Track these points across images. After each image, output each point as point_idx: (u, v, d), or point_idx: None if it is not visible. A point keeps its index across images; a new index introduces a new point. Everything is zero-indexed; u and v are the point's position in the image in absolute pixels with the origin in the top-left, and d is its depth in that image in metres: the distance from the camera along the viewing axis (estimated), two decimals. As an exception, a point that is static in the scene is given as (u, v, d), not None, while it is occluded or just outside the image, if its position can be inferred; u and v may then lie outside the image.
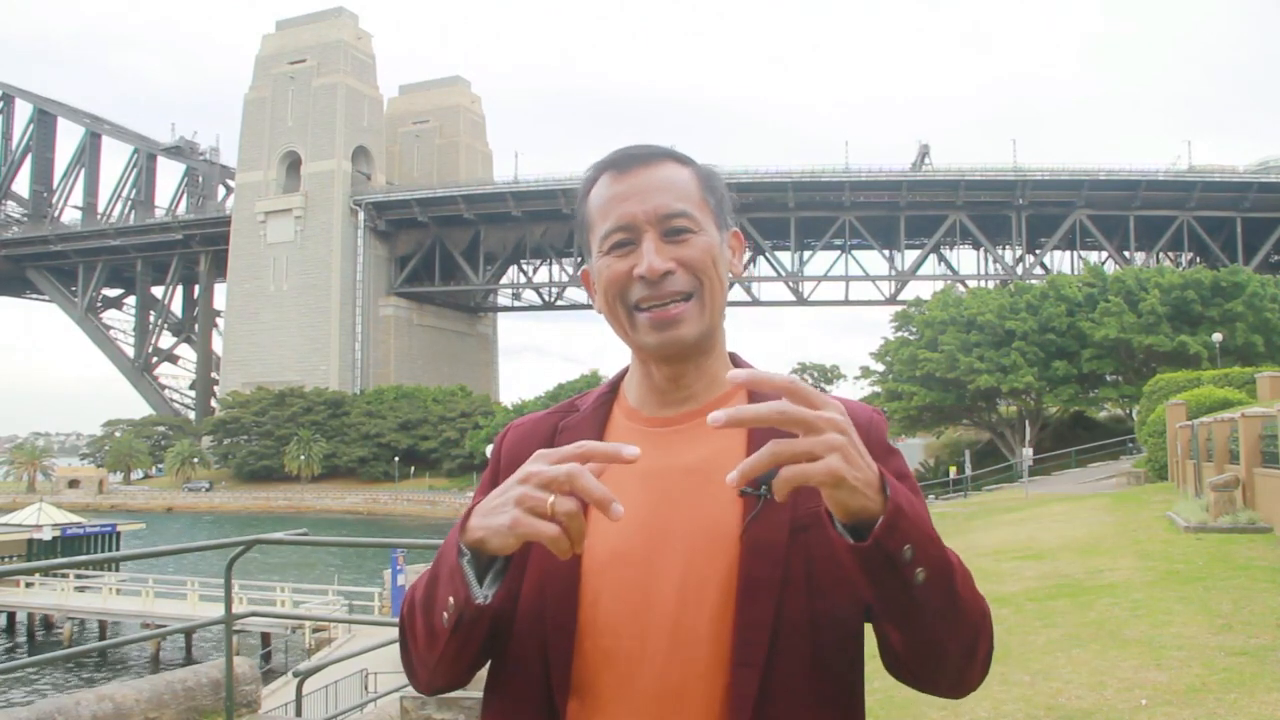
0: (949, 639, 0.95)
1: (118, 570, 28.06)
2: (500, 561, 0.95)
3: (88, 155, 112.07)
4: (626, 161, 1.08)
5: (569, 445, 0.91)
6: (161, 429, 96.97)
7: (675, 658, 0.98)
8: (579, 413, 1.15)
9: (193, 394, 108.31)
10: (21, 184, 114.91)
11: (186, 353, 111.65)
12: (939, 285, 66.30)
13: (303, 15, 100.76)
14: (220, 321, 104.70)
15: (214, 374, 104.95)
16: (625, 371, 1.17)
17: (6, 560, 28.94)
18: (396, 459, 78.04)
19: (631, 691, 0.99)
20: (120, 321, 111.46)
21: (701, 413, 1.08)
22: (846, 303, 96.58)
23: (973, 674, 1.01)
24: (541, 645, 1.01)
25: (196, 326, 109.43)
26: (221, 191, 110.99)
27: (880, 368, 48.54)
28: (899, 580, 0.88)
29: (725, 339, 1.14)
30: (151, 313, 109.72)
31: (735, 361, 1.15)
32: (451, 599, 0.94)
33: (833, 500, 0.85)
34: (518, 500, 0.89)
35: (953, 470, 38.74)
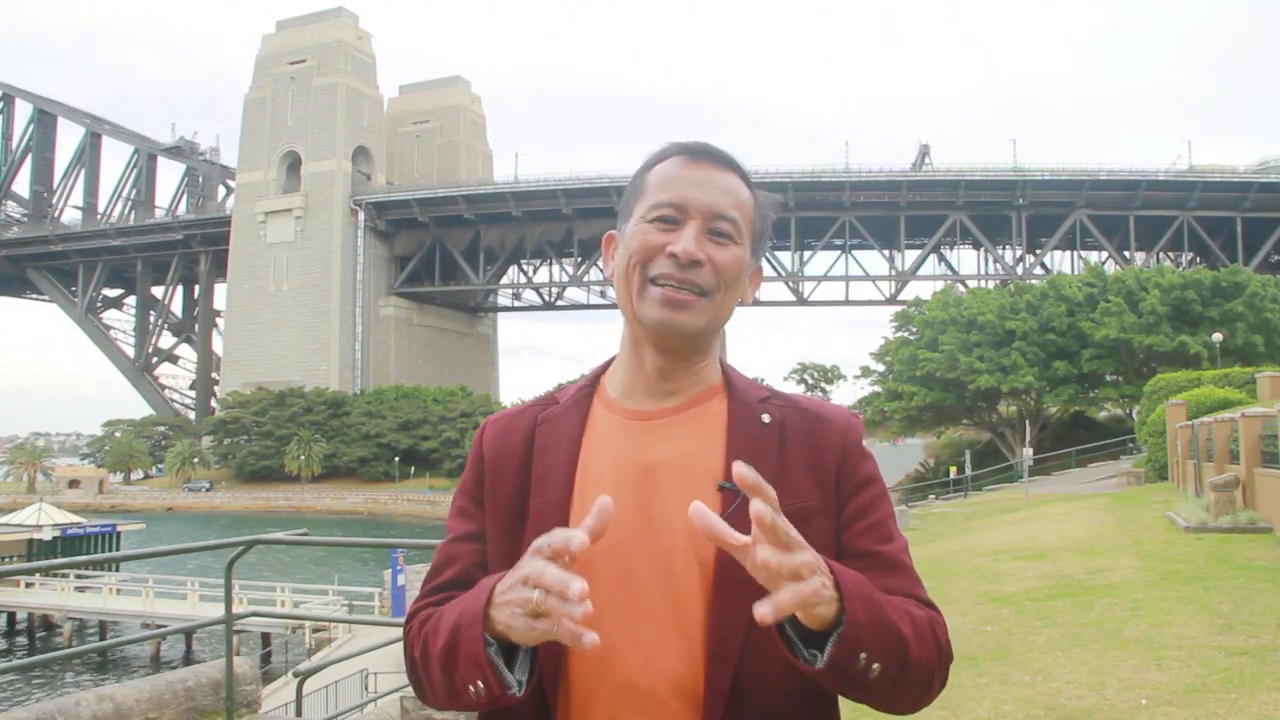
0: (902, 696, 0.99)
1: (118, 570, 28.04)
2: (524, 652, 0.96)
3: (88, 155, 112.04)
4: (703, 154, 1.11)
5: (543, 539, 0.91)
6: (161, 429, 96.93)
7: (656, 651, 1.01)
8: (558, 405, 1.15)
9: (193, 394, 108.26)
10: (21, 184, 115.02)
11: (186, 353, 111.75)
12: (939, 285, 66.31)
13: (303, 15, 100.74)
14: (220, 321, 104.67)
15: (214, 374, 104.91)
16: (607, 364, 1.18)
17: (6, 560, 28.93)
18: (396, 459, 78.02)
19: (615, 684, 1.01)
20: (120, 321, 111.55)
21: (682, 409, 1.10)
22: (846, 303, 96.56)
23: (925, 702, 1.03)
24: None
25: (196, 326, 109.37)
26: (221, 191, 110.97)
27: (880, 368, 48.54)
28: (853, 682, 0.92)
29: (722, 348, 1.17)
30: (151, 313, 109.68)
31: (725, 370, 1.16)
32: (481, 684, 0.94)
33: (805, 615, 0.88)
34: (520, 604, 0.90)
35: (953, 470, 38.70)
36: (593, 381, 1.17)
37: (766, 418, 1.10)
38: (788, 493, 0.94)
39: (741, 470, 0.86)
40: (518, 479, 1.10)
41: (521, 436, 1.13)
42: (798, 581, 0.85)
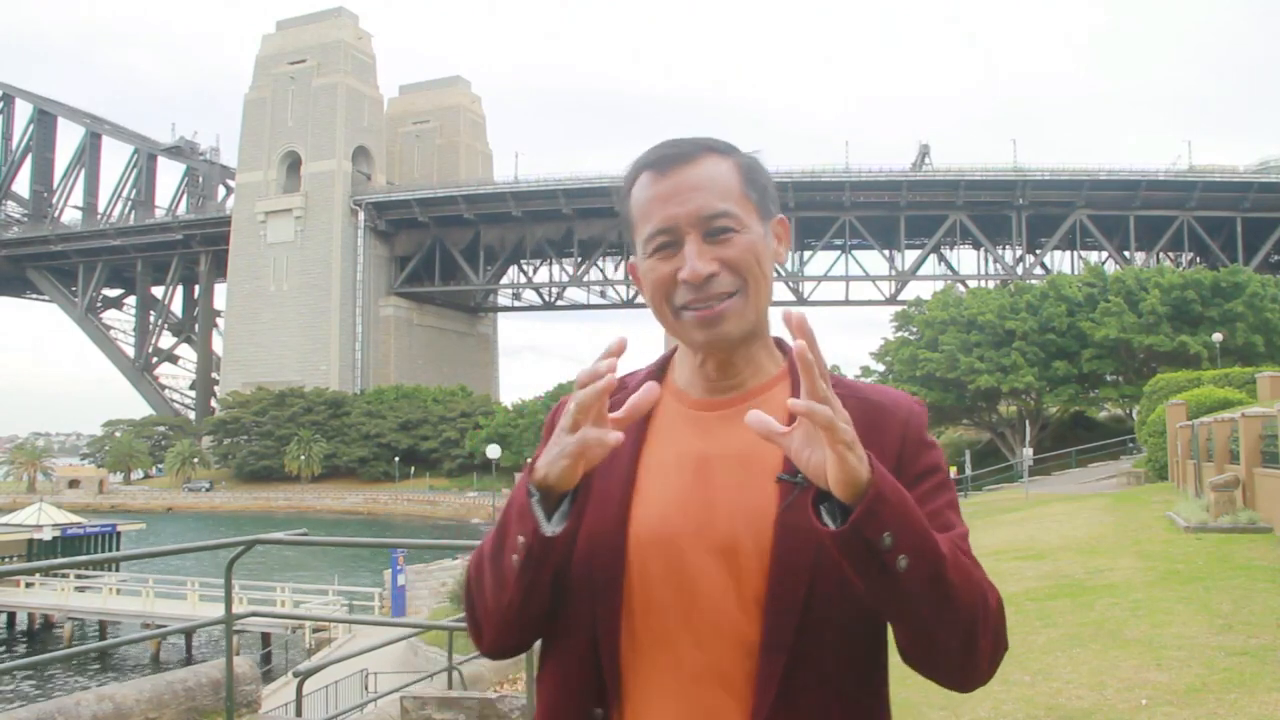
0: (940, 630, 0.96)
1: (118, 570, 28.05)
2: (565, 503, 0.99)
3: (88, 155, 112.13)
4: (665, 161, 1.08)
5: (591, 368, 0.97)
6: (161, 429, 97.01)
7: (712, 638, 1.02)
8: (626, 390, 1.13)
9: (193, 394, 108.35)
10: (21, 184, 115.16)
11: (186, 353, 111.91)
12: (939, 285, 66.32)
13: (303, 15, 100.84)
14: (220, 321, 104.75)
15: (214, 374, 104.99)
16: (675, 350, 1.18)
17: (6, 560, 28.93)
18: (396, 459, 78.04)
19: (672, 670, 1.02)
20: (120, 321, 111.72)
21: (746, 398, 1.11)
22: (846, 303, 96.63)
23: (976, 667, 1.01)
24: (590, 623, 1.05)
25: (196, 326, 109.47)
26: (221, 191, 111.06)
27: (880, 368, 48.48)
28: (880, 567, 0.90)
29: (769, 325, 1.15)
30: (151, 313, 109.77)
31: (780, 346, 1.17)
32: (521, 537, 0.98)
33: (840, 470, 0.89)
34: (558, 440, 0.98)
35: (953, 470, 38.32)
36: (660, 368, 1.18)
37: None
38: None
39: (757, 415, 0.92)
40: None
41: None
42: (835, 434, 0.88)
